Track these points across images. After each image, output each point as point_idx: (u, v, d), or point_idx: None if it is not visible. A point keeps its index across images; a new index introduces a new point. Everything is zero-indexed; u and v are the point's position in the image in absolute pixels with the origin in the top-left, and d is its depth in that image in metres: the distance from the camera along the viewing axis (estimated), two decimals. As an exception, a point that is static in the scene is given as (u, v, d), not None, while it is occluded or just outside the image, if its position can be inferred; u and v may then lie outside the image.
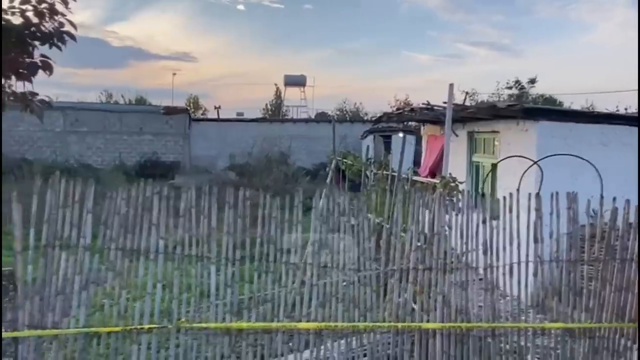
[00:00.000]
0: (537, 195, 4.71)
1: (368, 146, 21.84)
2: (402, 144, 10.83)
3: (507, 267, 4.72)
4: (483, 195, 4.83)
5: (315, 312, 4.73)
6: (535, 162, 8.16)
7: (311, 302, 4.73)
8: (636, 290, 4.72)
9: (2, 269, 4.64)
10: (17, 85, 5.33)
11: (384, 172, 11.45)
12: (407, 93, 51.64)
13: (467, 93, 14.87)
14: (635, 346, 4.76)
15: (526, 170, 8.39)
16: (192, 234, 4.68)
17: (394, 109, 34.64)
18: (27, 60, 5.10)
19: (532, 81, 26.74)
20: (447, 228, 4.74)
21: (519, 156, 8.56)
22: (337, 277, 4.75)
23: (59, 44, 5.31)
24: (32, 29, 5.24)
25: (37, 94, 5.39)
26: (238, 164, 25.83)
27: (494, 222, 4.70)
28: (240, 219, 4.73)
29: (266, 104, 40.75)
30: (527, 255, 4.73)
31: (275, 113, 38.40)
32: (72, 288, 4.56)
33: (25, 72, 5.23)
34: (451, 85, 7.44)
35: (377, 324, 4.68)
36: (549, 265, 4.73)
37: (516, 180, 8.70)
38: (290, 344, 4.75)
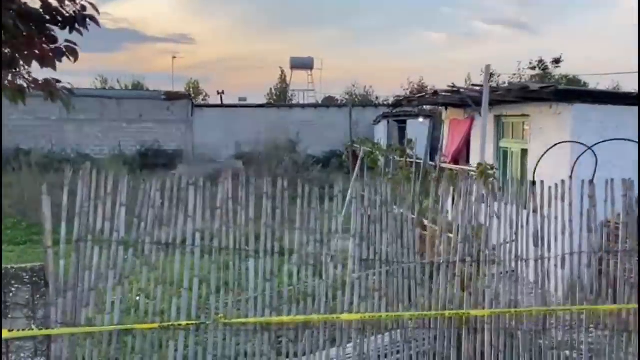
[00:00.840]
0: (591, 182, 4.75)
1: (389, 132, 21.87)
2: (428, 129, 10.91)
3: (559, 259, 4.78)
4: (534, 183, 4.87)
5: (358, 306, 4.80)
6: (589, 148, 8.16)
7: (353, 296, 4.80)
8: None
9: (33, 264, 4.71)
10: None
11: (407, 159, 11.54)
12: (422, 75, 51.45)
13: (491, 74, 14.75)
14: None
15: (580, 155, 8.37)
16: (229, 226, 4.75)
17: (408, 92, 34.60)
18: (52, 46, 5.13)
19: (557, 61, 26.50)
20: (495, 218, 4.79)
21: (575, 142, 8.50)
22: (379, 269, 4.81)
23: (81, 28, 5.33)
24: (53, 13, 5.26)
25: (60, 81, 5.42)
26: (244, 152, 25.85)
27: (545, 211, 4.75)
28: (278, 210, 4.79)
29: (270, 89, 40.68)
30: (580, 246, 4.78)
31: (281, 98, 38.30)
32: (105, 284, 4.64)
33: (46, 58, 5.26)
34: (488, 67, 7.47)
35: (424, 312, 4.73)
36: (604, 256, 4.78)
37: (550, 166, 8.71)
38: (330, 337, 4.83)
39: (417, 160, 10.32)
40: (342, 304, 4.82)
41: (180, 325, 4.64)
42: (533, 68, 26.70)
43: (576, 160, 8.31)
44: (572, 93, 9.44)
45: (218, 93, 30.75)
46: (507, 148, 11.59)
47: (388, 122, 24.14)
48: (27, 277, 4.65)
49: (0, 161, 15.51)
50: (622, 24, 62.12)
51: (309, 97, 35.19)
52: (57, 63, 5.22)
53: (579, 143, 8.41)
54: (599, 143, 8.31)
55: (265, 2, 70.55)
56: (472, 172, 8.73)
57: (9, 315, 4.57)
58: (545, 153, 8.86)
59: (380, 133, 23.94)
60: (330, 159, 24.52)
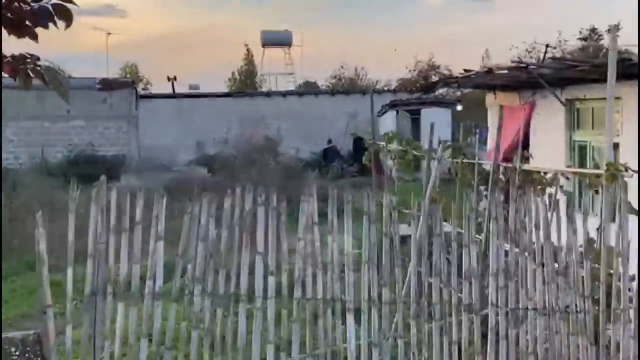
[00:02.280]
0: None
1: (400, 124, 21.42)
2: (499, 119, 10.36)
3: None
4: None
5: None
6: None
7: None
8: None
9: (23, 333, 3.99)
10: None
11: (463, 159, 11.01)
12: (430, 52, 51.26)
13: (547, 45, 14.32)
14: None
15: None
16: (315, 265, 4.12)
17: (415, 73, 34.43)
18: (34, 5, 4.43)
19: (615, 28, 26.41)
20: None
21: None
22: (534, 323, 4.25)
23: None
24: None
25: (38, 58, 4.71)
26: (209, 156, 25.23)
27: None
28: (385, 237, 4.19)
29: (232, 73, 40.02)
30: None
31: (247, 85, 37.75)
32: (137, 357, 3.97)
33: (22, 25, 4.56)
34: (614, 27, 6.99)
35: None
36: None
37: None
38: None
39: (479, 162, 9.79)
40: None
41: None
42: (584, 39, 26.74)
43: None
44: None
45: (169, 79, 30.11)
46: (584, 142, 11.19)
47: (397, 112, 23.81)
48: (17, 352, 3.93)
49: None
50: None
51: (287, 82, 34.71)
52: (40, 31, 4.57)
53: None
54: None
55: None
56: (568, 176, 8.25)
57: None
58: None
59: (388, 126, 23.51)
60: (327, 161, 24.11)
